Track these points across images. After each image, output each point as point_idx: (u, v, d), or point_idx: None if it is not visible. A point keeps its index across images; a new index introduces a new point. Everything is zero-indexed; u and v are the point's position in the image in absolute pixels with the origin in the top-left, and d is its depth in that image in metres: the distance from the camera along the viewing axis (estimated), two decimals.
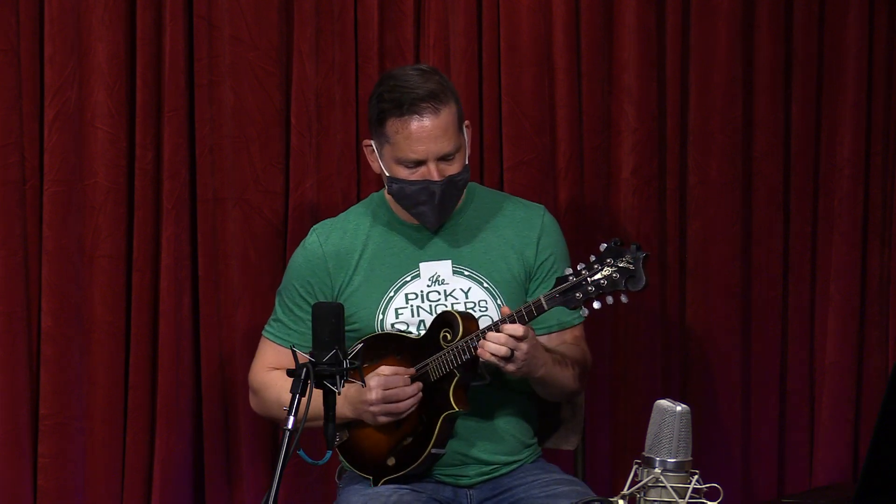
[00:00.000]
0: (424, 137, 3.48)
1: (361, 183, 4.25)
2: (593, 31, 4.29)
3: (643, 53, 4.30)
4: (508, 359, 3.40)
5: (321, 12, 4.21)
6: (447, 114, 3.50)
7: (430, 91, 3.49)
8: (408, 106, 3.48)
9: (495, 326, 3.41)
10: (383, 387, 3.45)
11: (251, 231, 4.22)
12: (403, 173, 3.52)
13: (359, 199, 4.21)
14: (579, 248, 4.23)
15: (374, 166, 3.60)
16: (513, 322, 3.40)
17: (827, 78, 4.43)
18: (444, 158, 3.51)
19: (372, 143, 3.57)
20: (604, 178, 4.33)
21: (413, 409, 3.48)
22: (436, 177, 3.50)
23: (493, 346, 3.39)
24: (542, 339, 3.60)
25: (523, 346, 3.39)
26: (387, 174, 3.56)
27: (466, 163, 3.56)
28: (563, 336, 3.64)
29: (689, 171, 4.38)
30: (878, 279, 4.48)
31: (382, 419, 3.49)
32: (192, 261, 4.23)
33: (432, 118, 3.48)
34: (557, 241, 3.66)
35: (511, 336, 3.38)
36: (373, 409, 3.47)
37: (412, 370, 3.49)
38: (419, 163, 3.50)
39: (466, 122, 3.60)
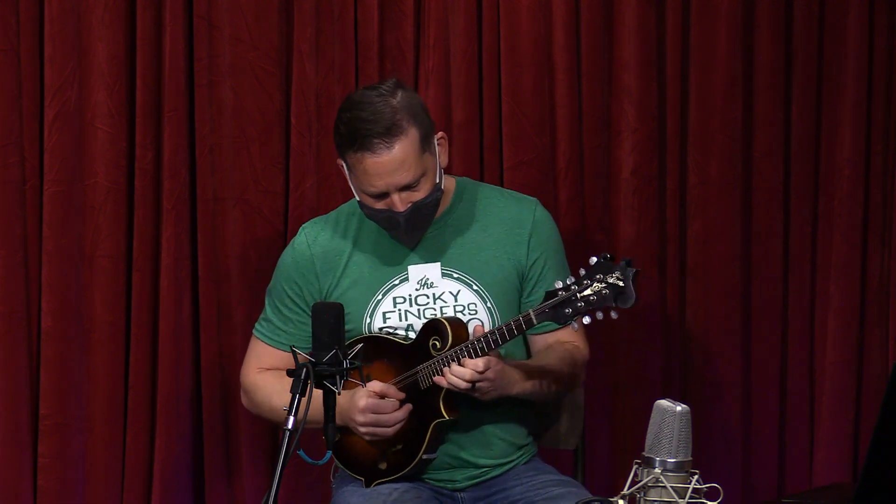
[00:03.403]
0: (381, 172, 3.41)
1: None
2: (593, 31, 4.29)
3: (643, 53, 4.30)
4: (471, 389, 3.40)
5: (321, 12, 4.21)
6: (403, 145, 3.41)
7: (384, 126, 3.39)
8: (360, 141, 3.40)
9: (470, 346, 3.39)
10: (372, 410, 3.44)
11: (251, 231, 4.22)
12: (369, 201, 3.48)
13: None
14: (578, 247, 4.24)
15: (350, 185, 3.56)
16: (502, 336, 3.37)
17: (827, 78, 4.43)
18: (407, 187, 3.44)
19: (343, 164, 3.52)
20: (604, 178, 4.33)
21: (399, 430, 3.48)
22: (399, 207, 3.44)
23: (453, 379, 3.39)
24: (535, 338, 3.61)
25: (490, 374, 3.38)
26: (357, 199, 3.53)
27: (437, 181, 3.49)
28: (548, 338, 3.62)
29: (689, 171, 4.38)
30: (878, 279, 4.48)
31: (369, 438, 3.49)
32: (192, 261, 4.23)
33: (387, 153, 3.40)
34: (549, 239, 3.62)
35: (473, 370, 3.37)
36: (360, 429, 3.47)
37: (402, 394, 3.47)
38: (382, 194, 3.45)
39: (440, 133, 3.53)
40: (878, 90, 4.43)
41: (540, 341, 3.62)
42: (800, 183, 4.44)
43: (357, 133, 3.40)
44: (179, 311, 4.20)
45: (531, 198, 3.66)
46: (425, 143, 3.46)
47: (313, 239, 3.63)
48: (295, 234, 4.14)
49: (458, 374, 3.38)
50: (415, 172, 3.43)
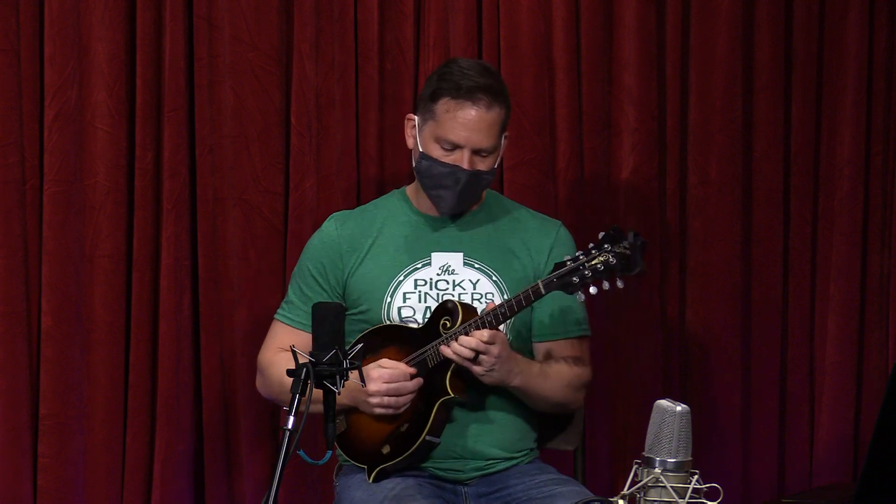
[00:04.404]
0: (470, 125, 3.55)
1: (361, 183, 4.26)
2: (593, 31, 4.29)
3: (643, 53, 4.30)
4: (473, 360, 3.44)
5: (321, 12, 4.21)
6: (497, 113, 3.57)
7: (490, 86, 3.56)
8: (466, 91, 3.55)
9: (479, 321, 3.45)
10: (384, 380, 3.49)
11: (251, 231, 4.22)
12: (437, 153, 3.58)
13: (358, 199, 4.22)
14: (579, 248, 4.23)
15: (409, 142, 3.66)
16: (510, 308, 3.45)
17: (827, 78, 4.43)
18: (478, 152, 3.57)
19: (416, 118, 3.63)
20: (604, 178, 4.33)
21: (409, 403, 3.51)
22: (466, 165, 3.56)
23: (458, 347, 3.45)
24: (539, 346, 3.65)
25: (494, 349, 3.44)
26: (420, 149, 3.60)
27: (495, 167, 3.62)
28: (551, 346, 3.66)
29: (689, 171, 4.38)
30: (878, 279, 4.48)
31: (380, 411, 3.52)
32: (192, 261, 4.23)
33: (484, 111, 3.55)
34: (569, 255, 3.67)
35: (479, 339, 3.43)
36: (372, 400, 3.50)
37: (412, 369, 3.51)
38: (456, 147, 3.56)
39: (507, 132, 3.65)
40: (878, 90, 4.43)
41: (542, 349, 3.65)
42: (800, 183, 4.44)
43: (464, 84, 3.55)
44: (179, 311, 4.20)
45: (556, 220, 3.78)
46: (504, 127, 3.62)
47: (342, 224, 3.71)
48: (294, 234, 4.17)
49: (464, 342, 3.44)
50: (493, 142, 3.58)
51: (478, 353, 3.44)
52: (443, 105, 3.57)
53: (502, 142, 3.63)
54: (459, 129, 3.55)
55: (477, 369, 3.47)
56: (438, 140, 3.58)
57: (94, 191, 4.16)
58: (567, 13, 4.26)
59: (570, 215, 4.28)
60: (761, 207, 4.42)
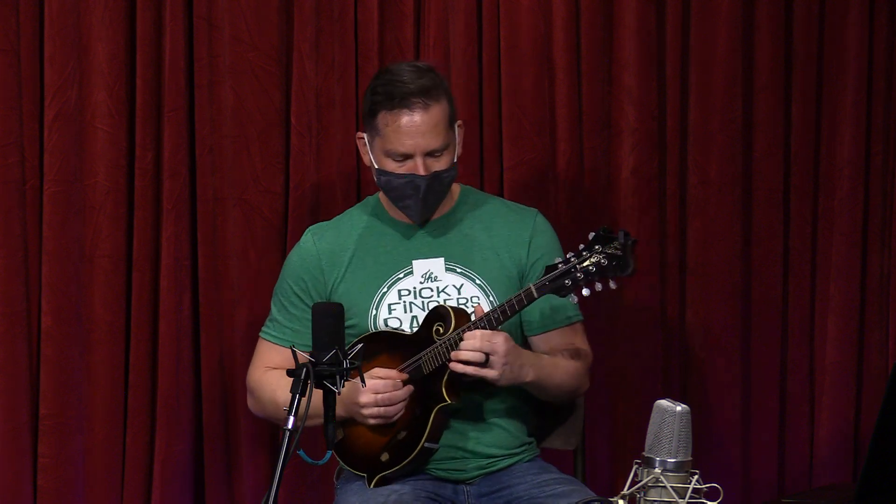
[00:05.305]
0: (413, 132, 3.53)
1: (361, 183, 4.26)
2: (593, 31, 4.29)
3: (643, 53, 4.30)
4: (484, 364, 3.43)
5: (321, 12, 4.21)
6: (437, 110, 3.55)
7: (422, 87, 3.53)
8: (399, 100, 3.53)
9: (473, 326, 3.44)
10: (374, 391, 3.47)
11: (251, 231, 4.22)
12: (391, 166, 3.57)
13: (359, 199, 4.22)
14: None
15: (366, 159, 3.65)
16: (503, 312, 3.44)
17: (827, 78, 4.43)
18: (431, 154, 3.56)
19: (364, 135, 3.62)
20: (604, 178, 4.33)
21: (403, 411, 3.50)
22: (422, 171, 3.55)
23: (466, 354, 3.43)
24: (536, 340, 3.65)
25: (499, 346, 3.42)
26: (376, 166, 3.60)
27: (455, 161, 3.60)
28: (556, 337, 3.66)
29: (689, 171, 4.38)
30: (878, 279, 4.48)
31: (373, 421, 3.51)
32: (192, 261, 4.23)
33: (422, 113, 3.53)
34: (550, 242, 3.69)
35: (482, 339, 3.42)
36: (365, 412, 3.49)
37: (404, 375, 3.51)
38: (407, 156, 3.55)
39: (459, 121, 3.64)
40: (878, 90, 4.43)
41: (539, 341, 3.65)
42: (800, 183, 4.44)
43: (396, 92, 3.53)
44: (179, 311, 4.20)
45: (532, 208, 3.75)
46: (451, 120, 3.59)
47: (319, 238, 3.69)
48: (294, 234, 4.17)
49: (469, 346, 3.43)
50: (443, 140, 3.56)
51: (487, 354, 3.42)
52: (382, 119, 3.56)
53: (455, 133, 3.61)
54: (404, 139, 3.54)
55: (491, 374, 3.45)
56: (388, 154, 3.57)
57: (94, 191, 4.17)
58: (567, 13, 4.26)
59: (569, 215, 4.28)
60: (761, 207, 4.42)
